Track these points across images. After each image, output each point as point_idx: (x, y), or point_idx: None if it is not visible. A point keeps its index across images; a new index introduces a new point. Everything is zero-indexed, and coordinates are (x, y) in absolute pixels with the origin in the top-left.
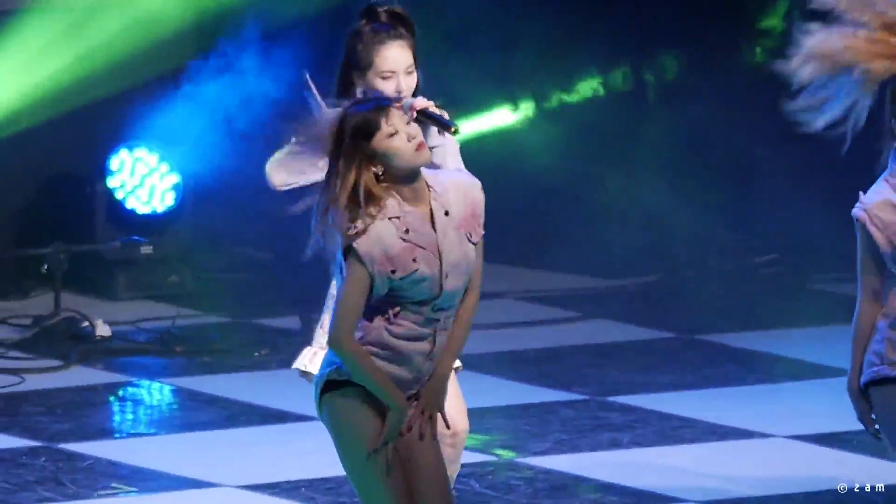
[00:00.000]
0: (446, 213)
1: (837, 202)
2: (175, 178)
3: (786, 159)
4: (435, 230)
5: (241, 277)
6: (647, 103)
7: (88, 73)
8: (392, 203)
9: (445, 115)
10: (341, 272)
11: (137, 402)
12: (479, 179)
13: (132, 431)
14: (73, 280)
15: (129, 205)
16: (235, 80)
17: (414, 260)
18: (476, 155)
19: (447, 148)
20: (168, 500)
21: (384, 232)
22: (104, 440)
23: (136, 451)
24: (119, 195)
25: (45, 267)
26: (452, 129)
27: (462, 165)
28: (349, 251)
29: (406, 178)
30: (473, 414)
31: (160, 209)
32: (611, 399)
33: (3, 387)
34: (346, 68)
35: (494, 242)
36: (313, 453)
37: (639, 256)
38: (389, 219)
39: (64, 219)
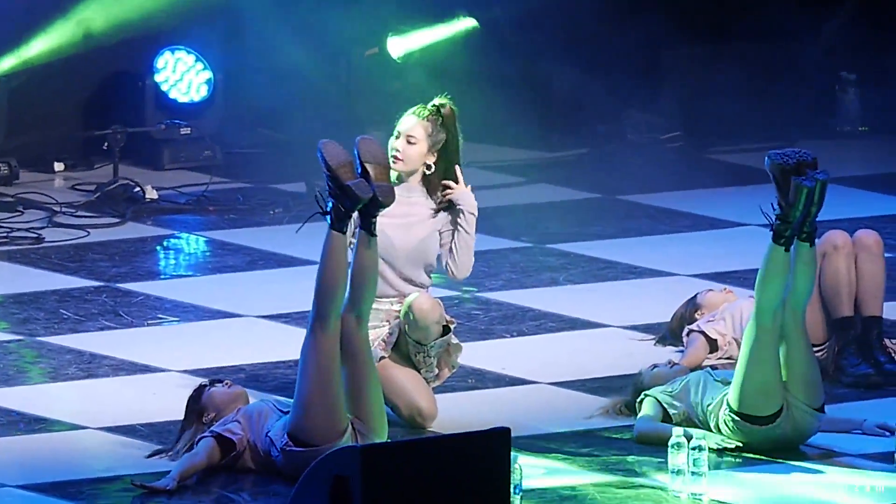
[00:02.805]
0: None
1: (732, 91)
2: (208, 74)
3: (689, 57)
4: None
5: (260, 152)
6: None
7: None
8: None
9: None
10: None
11: (178, 251)
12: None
13: (174, 273)
14: (128, 154)
15: (171, 95)
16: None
17: None
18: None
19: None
20: (202, 328)
21: None
22: (152, 280)
23: (177, 289)
24: (164, 88)
25: (106, 144)
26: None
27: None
28: None
29: None
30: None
31: (196, 98)
32: (550, 246)
33: (73, 238)
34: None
35: (458, 123)
36: None
37: (572, 133)
38: None
39: (121, 106)
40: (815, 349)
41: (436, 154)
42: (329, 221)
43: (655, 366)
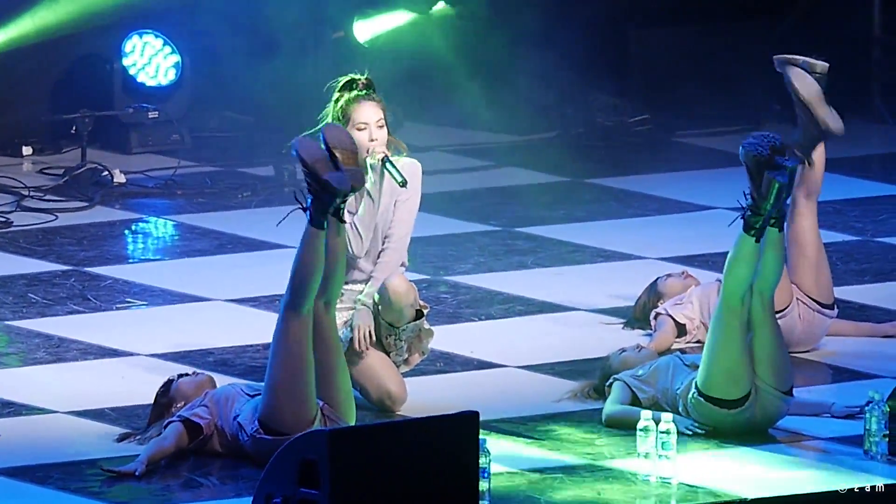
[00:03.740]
0: None
1: (700, 74)
2: (176, 58)
3: (656, 42)
4: None
5: (228, 135)
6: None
7: None
8: None
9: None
10: None
11: (147, 235)
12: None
13: (142, 257)
14: (96, 138)
15: (139, 79)
16: None
17: None
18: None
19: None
20: (170, 312)
21: None
22: (120, 264)
23: (145, 273)
24: (132, 72)
25: (74, 128)
26: (400, 182)
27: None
28: None
29: None
30: (413, 241)
31: (164, 82)
32: (518, 229)
33: (41, 223)
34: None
35: (428, 106)
36: (285, 273)
37: (540, 117)
38: None
39: (89, 90)
40: (779, 314)
41: None
42: (309, 217)
43: (623, 350)
